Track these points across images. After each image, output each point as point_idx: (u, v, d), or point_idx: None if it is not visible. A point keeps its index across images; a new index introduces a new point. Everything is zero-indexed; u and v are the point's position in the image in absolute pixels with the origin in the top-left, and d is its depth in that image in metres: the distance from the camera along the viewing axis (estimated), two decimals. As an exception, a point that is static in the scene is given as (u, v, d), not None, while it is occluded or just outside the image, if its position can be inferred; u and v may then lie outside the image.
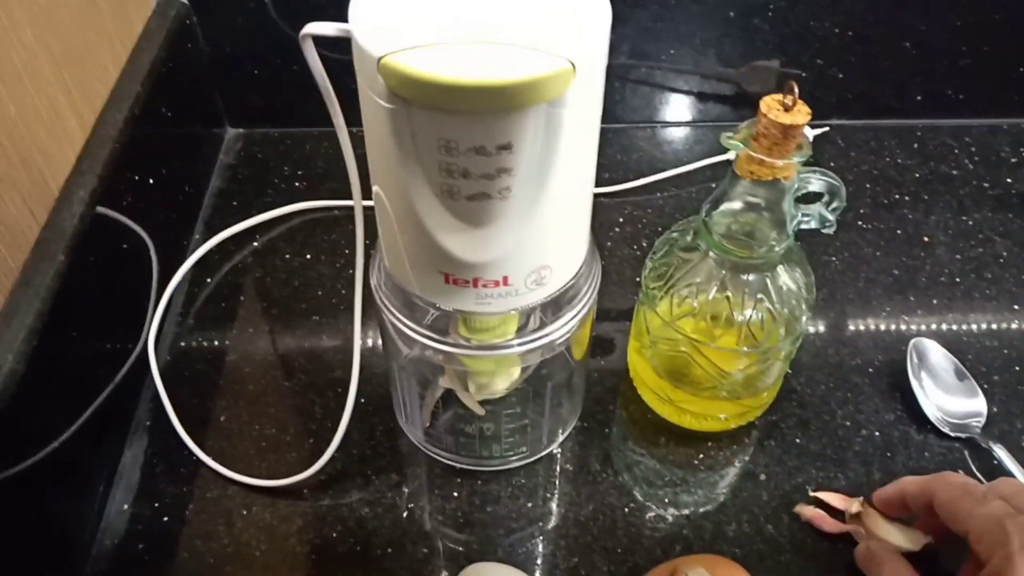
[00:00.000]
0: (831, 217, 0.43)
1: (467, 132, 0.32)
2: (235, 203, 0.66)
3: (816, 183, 0.42)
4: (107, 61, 0.53)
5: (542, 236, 0.37)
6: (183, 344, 0.57)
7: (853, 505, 0.47)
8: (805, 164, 0.40)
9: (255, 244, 0.64)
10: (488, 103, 0.30)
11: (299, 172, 0.68)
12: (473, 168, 0.33)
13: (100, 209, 0.49)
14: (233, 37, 0.66)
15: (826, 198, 0.43)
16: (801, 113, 0.38)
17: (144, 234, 0.56)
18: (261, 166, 0.69)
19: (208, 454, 0.51)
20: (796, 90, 0.38)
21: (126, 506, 0.49)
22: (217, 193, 0.67)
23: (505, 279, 0.38)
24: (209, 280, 0.61)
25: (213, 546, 0.47)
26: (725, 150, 0.71)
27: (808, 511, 0.48)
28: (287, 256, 0.63)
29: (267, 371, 0.56)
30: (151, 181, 0.57)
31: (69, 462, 0.46)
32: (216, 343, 0.57)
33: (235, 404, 0.54)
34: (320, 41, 0.33)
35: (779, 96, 0.38)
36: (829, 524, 0.47)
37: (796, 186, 0.41)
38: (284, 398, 0.54)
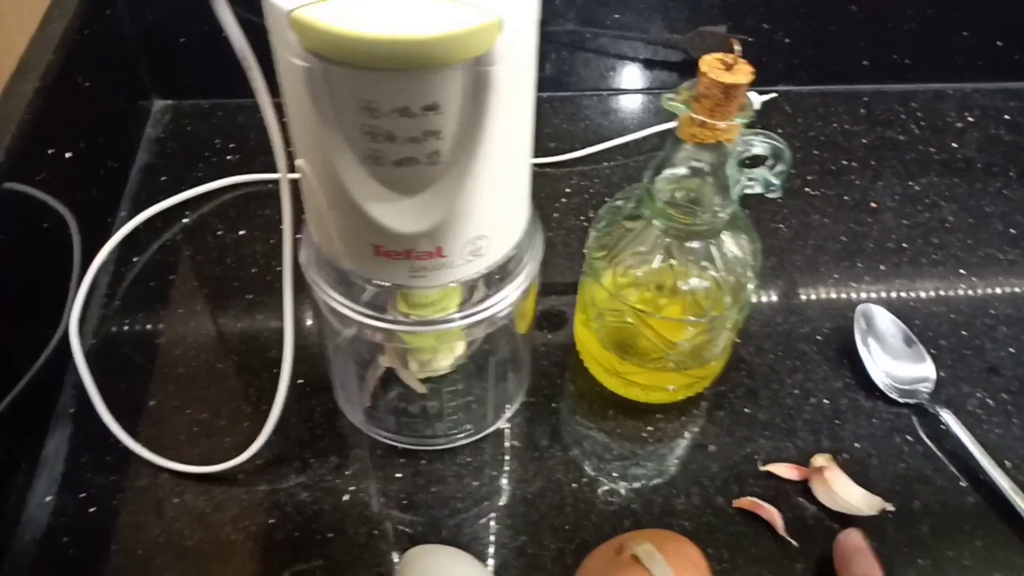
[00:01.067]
0: (776, 181, 0.42)
1: (389, 92, 0.30)
2: (164, 178, 0.63)
3: (759, 146, 0.40)
4: (12, 29, 0.50)
5: (477, 204, 0.35)
6: (109, 327, 0.54)
7: (819, 459, 0.47)
8: (748, 127, 0.39)
9: (185, 221, 0.61)
10: (409, 60, 0.28)
11: (231, 145, 0.65)
12: (398, 131, 0.31)
13: (10, 185, 0.46)
14: (157, 3, 0.63)
15: (770, 161, 0.41)
16: (743, 72, 0.36)
17: (64, 211, 0.53)
18: (191, 139, 0.66)
19: (137, 441, 0.48)
20: (738, 48, 0.36)
21: (48, 498, 0.46)
22: (144, 168, 0.64)
23: (439, 250, 0.36)
24: (136, 259, 0.58)
25: (143, 537, 0.45)
26: (672, 117, 0.70)
27: (745, 502, 0.47)
28: (219, 233, 0.60)
29: (199, 353, 0.53)
30: (68, 155, 0.53)
31: (-16, 455, 0.43)
32: (145, 325, 0.54)
33: (165, 388, 0.51)
34: (238, 1, 0.31)
35: (720, 55, 0.37)
36: (765, 512, 0.46)
37: (739, 149, 0.40)
38: (217, 381, 0.52)
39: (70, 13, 0.54)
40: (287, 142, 0.36)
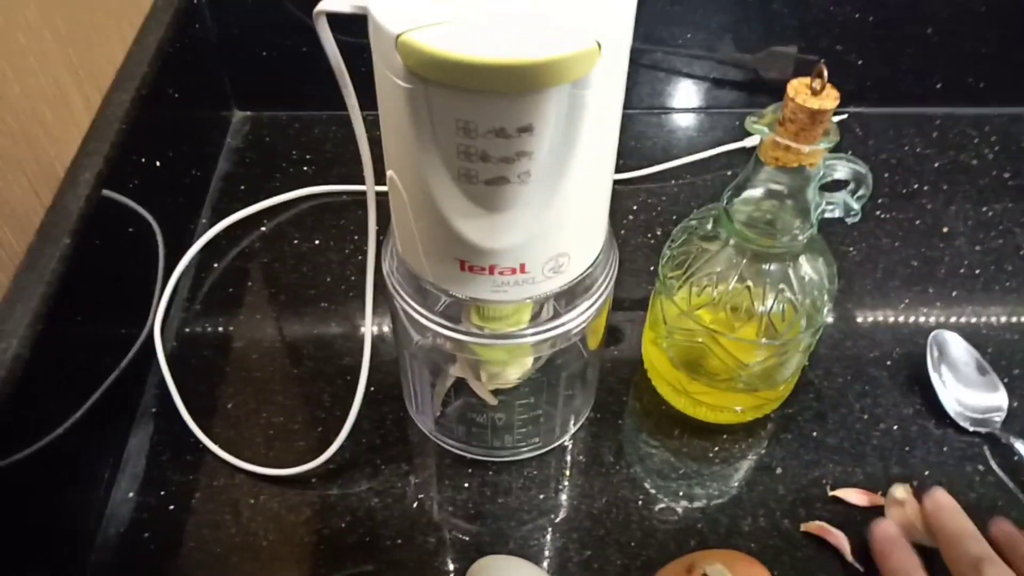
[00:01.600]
0: (856, 206, 0.42)
1: (487, 113, 0.31)
2: (243, 187, 0.65)
3: (842, 170, 0.40)
4: (114, 41, 0.52)
5: (561, 223, 0.36)
6: (189, 330, 0.56)
7: (899, 491, 0.46)
8: (832, 151, 0.39)
9: (263, 229, 0.63)
10: (510, 83, 0.29)
11: (307, 156, 0.67)
12: (492, 151, 0.32)
13: (106, 192, 0.48)
14: (241, 18, 0.65)
15: (852, 186, 0.41)
16: (830, 98, 0.37)
17: (150, 218, 0.55)
18: (269, 150, 0.68)
19: (215, 442, 0.50)
20: (825, 74, 0.36)
21: (131, 494, 0.48)
22: (224, 177, 0.66)
23: (522, 266, 0.37)
24: (216, 265, 0.60)
25: (219, 535, 0.47)
26: (741, 137, 0.71)
27: (813, 527, 0.47)
28: (295, 241, 0.62)
29: (275, 358, 0.55)
30: (158, 164, 0.56)
31: (73, 449, 0.45)
32: (222, 329, 0.56)
33: (242, 391, 0.53)
34: (333, 20, 0.32)
35: (807, 80, 0.37)
36: (833, 537, 0.46)
37: (821, 173, 0.40)
38: (292, 386, 0.53)
39: (163, 27, 0.56)
40: (375, 156, 0.37)
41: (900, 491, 0.46)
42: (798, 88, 0.37)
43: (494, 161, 0.32)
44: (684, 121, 0.72)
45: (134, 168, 0.52)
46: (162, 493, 0.48)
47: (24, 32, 0.42)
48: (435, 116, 0.31)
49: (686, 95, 0.72)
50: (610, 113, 0.34)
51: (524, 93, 0.30)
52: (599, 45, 0.29)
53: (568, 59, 0.29)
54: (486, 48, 0.28)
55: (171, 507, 0.48)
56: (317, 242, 0.62)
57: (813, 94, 0.37)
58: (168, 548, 0.46)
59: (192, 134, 0.64)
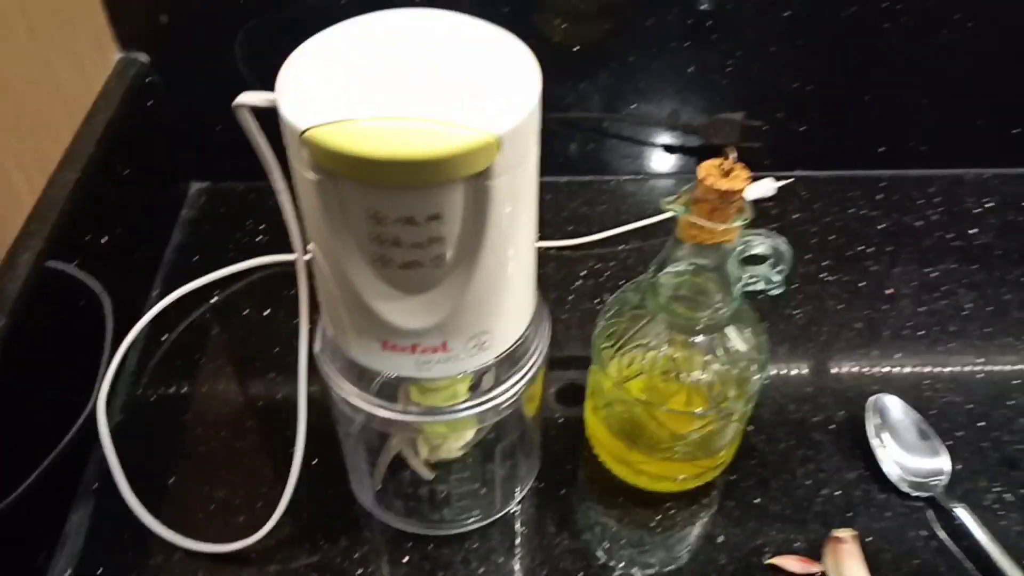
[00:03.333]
0: (776, 278, 0.43)
1: (394, 204, 0.32)
2: (196, 258, 0.66)
3: (760, 246, 0.41)
4: (61, 123, 0.53)
5: (479, 302, 0.36)
6: (136, 405, 0.56)
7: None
8: (749, 225, 0.40)
9: (214, 300, 0.63)
10: (411, 178, 0.30)
11: (261, 226, 0.68)
12: (404, 237, 0.33)
13: (51, 263, 0.48)
14: (196, 92, 0.66)
15: (772, 260, 0.42)
16: (739, 178, 0.38)
17: (99, 290, 0.55)
18: (224, 220, 0.69)
19: (156, 517, 0.50)
20: (734, 156, 0.38)
21: (67, 573, 0.48)
22: (178, 248, 0.67)
23: (444, 344, 0.38)
24: (165, 338, 0.60)
25: (156, 616, 0.46)
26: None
27: (778, 561, 0.47)
28: (246, 312, 0.62)
29: (220, 431, 0.55)
30: (105, 239, 0.56)
31: (10, 529, 0.45)
32: (170, 403, 0.56)
33: (186, 465, 0.53)
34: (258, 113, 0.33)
35: (718, 161, 0.38)
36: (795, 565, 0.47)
37: (739, 248, 0.41)
38: (236, 459, 0.53)
39: (114, 106, 0.58)
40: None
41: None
42: (708, 169, 0.38)
43: (406, 247, 0.33)
44: (635, 187, 0.73)
45: (80, 244, 0.53)
46: (99, 573, 0.48)
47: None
48: (345, 206, 0.32)
49: (637, 161, 0.74)
50: (521, 198, 0.35)
51: (429, 186, 0.31)
52: (498, 139, 0.30)
53: (466, 153, 0.30)
54: (386, 144, 0.29)
55: (107, 587, 0.47)
56: (267, 313, 0.62)
57: (724, 175, 0.38)
58: (102, 630, 0.46)
59: (145, 207, 0.65)
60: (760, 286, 0.43)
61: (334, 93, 0.31)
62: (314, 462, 0.52)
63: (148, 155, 0.65)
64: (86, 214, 0.52)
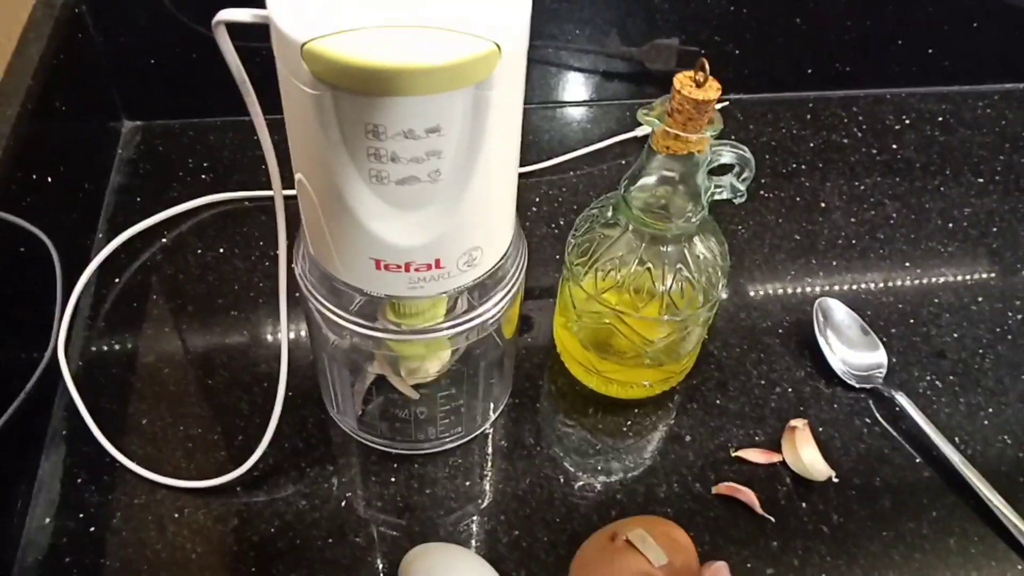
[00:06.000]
0: (742, 187, 0.45)
1: (395, 116, 0.32)
2: (139, 199, 0.64)
3: (727, 155, 0.43)
4: (-8, 54, 0.50)
5: (473, 217, 0.37)
6: (95, 349, 0.55)
7: (797, 422, 0.52)
8: (717, 137, 0.42)
9: (163, 241, 0.61)
10: (415, 86, 0.30)
11: (204, 164, 0.66)
12: (402, 152, 0.33)
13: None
14: (126, 25, 0.63)
15: (736, 169, 0.45)
16: (712, 88, 0.39)
17: (44, 237, 0.53)
18: (163, 159, 0.67)
19: (132, 459, 0.49)
20: (707, 67, 0.39)
21: (48, 519, 0.47)
22: (119, 189, 0.64)
23: (438, 262, 0.38)
24: (117, 280, 0.59)
25: (145, 553, 0.46)
26: (632, 127, 0.74)
27: (723, 488, 0.50)
28: (199, 251, 0.61)
29: (187, 370, 0.54)
30: (49, 180, 0.54)
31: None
32: (130, 345, 0.55)
33: (156, 407, 0.52)
34: (230, 28, 0.32)
35: (691, 73, 0.40)
36: (742, 494, 0.50)
37: (709, 159, 0.43)
38: (208, 397, 0.53)
39: (44, 37, 0.54)
40: (279, 160, 0.38)
41: (798, 422, 0.52)
42: (683, 81, 0.40)
43: (404, 162, 0.34)
44: (577, 114, 0.75)
45: (25, 186, 0.51)
46: (80, 516, 0.47)
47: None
48: (343, 121, 0.32)
49: (577, 89, 0.75)
50: (513, 110, 0.36)
51: (430, 96, 0.31)
52: (499, 47, 0.31)
53: (470, 62, 0.30)
54: (392, 53, 0.30)
55: (91, 529, 0.47)
56: (222, 250, 0.61)
57: (697, 86, 0.39)
58: (92, 571, 0.45)
59: (82, 147, 0.62)
60: (726, 195, 0.45)
61: (328, 3, 0.31)
62: (289, 393, 0.52)
63: (82, 92, 0.61)
64: (30, 152, 0.50)
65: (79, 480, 0.49)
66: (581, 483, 0.50)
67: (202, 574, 0.46)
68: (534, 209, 0.66)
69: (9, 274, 0.49)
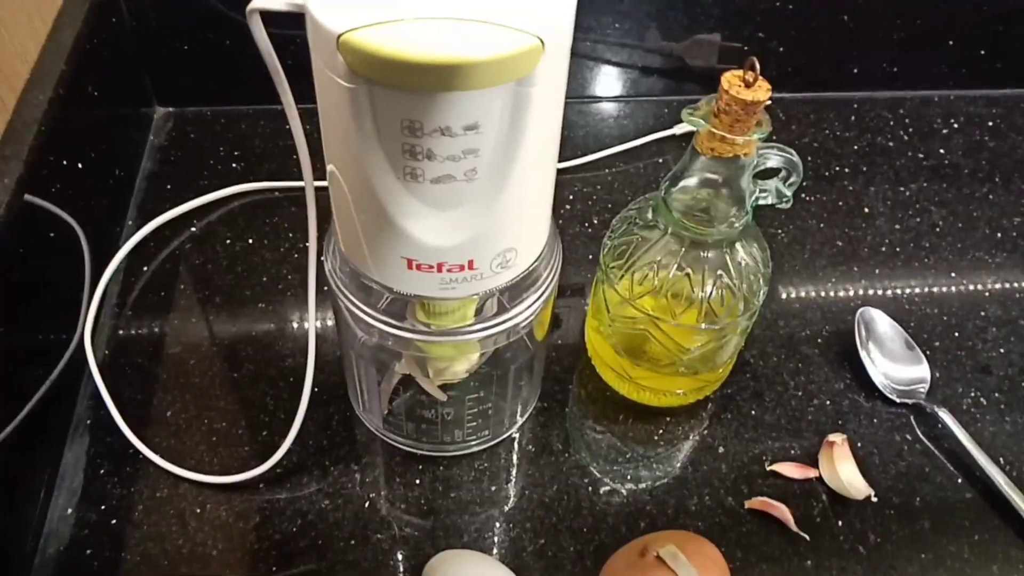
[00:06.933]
0: (788, 192, 0.43)
1: (433, 112, 0.30)
2: (169, 187, 0.63)
3: (774, 159, 0.42)
4: (26, 39, 0.49)
5: (508, 218, 0.36)
6: (122, 337, 0.54)
7: (835, 436, 0.50)
8: (764, 140, 0.40)
9: (193, 229, 0.61)
10: (455, 82, 0.29)
11: (235, 153, 0.66)
12: (438, 150, 0.32)
13: (27, 197, 0.46)
14: (160, 11, 0.63)
15: (783, 173, 0.43)
16: (762, 89, 0.38)
17: (74, 222, 0.53)
18: (194, 147, 0.66)
19: (155, 451, 0.48)
20: (757, 66, 0.37)
21: (70, 510, 0.47)
22: (149, 176, 0.64)
23: (471, 263, 0.37)
24: (146, 268, 0.58)
25: (166, 547, 0.46)
26: (671, 124, 0.72)
27: (756, 503, 0.49)
28: (228, 241, 0.60)
29: (213, 362, 0.53)
30: (80, 165, 0.53)
31: (4, 467, 0.43)
32: (157, 334, 0.55)
33: (181, 398, 0.52)
34: (264, 16, 0.31)
35: (740, 72, 0.38)
36: (776, 510, 0.48)
37: (755, 162, 0.41)
38: (233, 390, 0.52)
39: (79, 22, 0.54)
40: (312, 153, 0.37)
41: (836, 437, 0.50)
42: (731, 80, 0.38)
43: (440, 160, 0.32)
44: (615, 109, 0.73)
45: (55, 171, 0.50)
46: (103, 507, 0.47)
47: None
48: (379, 116, 0.31)
49: (613, 84, 0.73)
50: (554, 108, 0.34)
51: (469, 92, 0.30)
52: (542, 42, 0.29)
53: (513, 57, 0.29)
54: (432, 47, 0.28)
55: (113, 521, 0.46)
56: (251, 241, 0.60)
57: (746, 86, 0.38)
58: (112, 564, 0.45)
59: (113, 133, 0.62)
60: (771, 200, 0.44)
61: (366, -5, 0.30)
62: (315, 389, 0.51)
63: (114, 77, 0.61)
64: (61, 137, 0.49)
65: (102, 471, 0.48)
66: (610, 491, 0.49)
67: (222, 571, 0.45)
68: (567, 207, 0.64)
69: (38, 260, 0.49)
